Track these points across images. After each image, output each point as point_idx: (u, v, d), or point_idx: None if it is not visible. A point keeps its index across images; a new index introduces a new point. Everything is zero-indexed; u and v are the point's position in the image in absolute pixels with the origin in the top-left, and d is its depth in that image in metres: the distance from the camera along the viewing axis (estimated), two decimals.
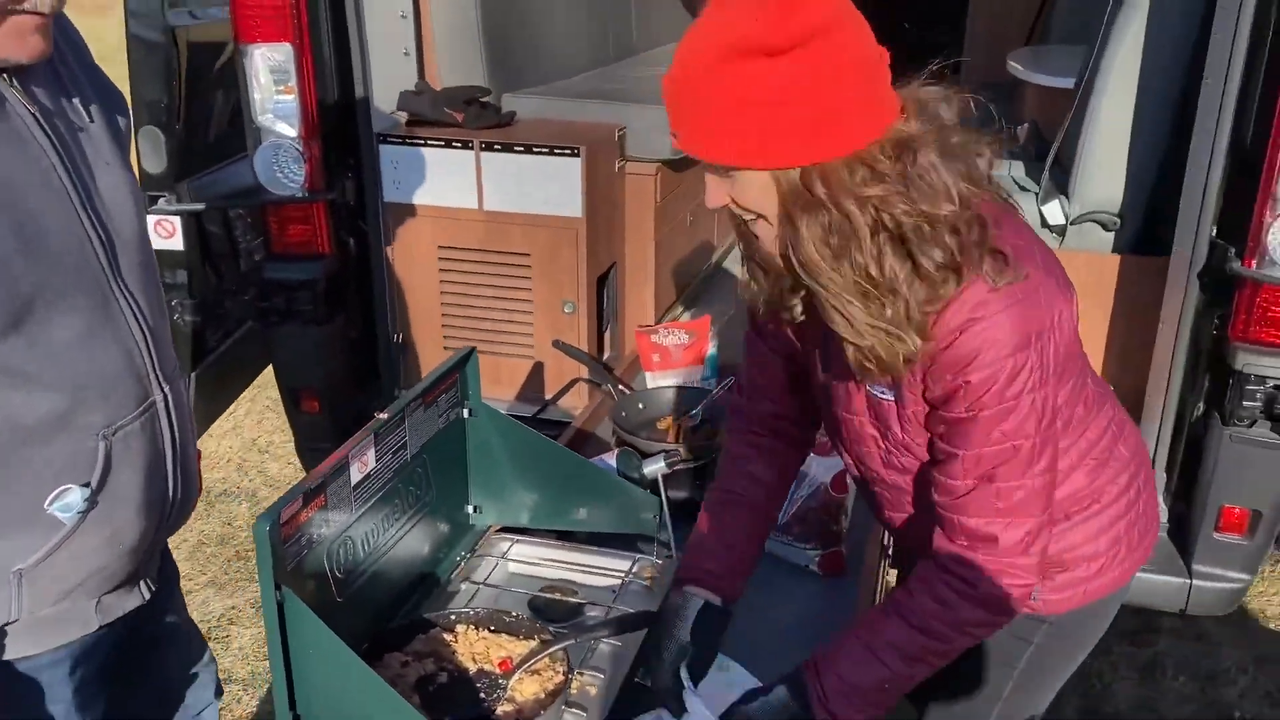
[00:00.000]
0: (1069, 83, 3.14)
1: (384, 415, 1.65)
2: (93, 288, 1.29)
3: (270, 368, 3.22)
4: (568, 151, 2.61)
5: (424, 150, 2.71)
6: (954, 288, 1.23)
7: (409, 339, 2.90)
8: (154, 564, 1.53)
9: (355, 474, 1.58)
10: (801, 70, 1.14)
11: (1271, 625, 3.17)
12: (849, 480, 1.93)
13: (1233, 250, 2.15)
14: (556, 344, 2.59)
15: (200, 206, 2.68)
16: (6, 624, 1.31)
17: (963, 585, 1.33)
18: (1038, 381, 1.26)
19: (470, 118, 2.77)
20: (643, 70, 3.80)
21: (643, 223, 3.01)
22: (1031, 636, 1.60)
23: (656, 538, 1.92)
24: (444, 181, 2.73)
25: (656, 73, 3.76)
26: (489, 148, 2.67)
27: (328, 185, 2.64)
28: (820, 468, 1.93)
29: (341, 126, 2.67)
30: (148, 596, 1.49)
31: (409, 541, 1.75)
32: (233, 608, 3.20)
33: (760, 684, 1.52)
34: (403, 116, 2.85)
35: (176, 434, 1.43)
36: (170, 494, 1.44)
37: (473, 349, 1.91)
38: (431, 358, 2.92)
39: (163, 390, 1.40)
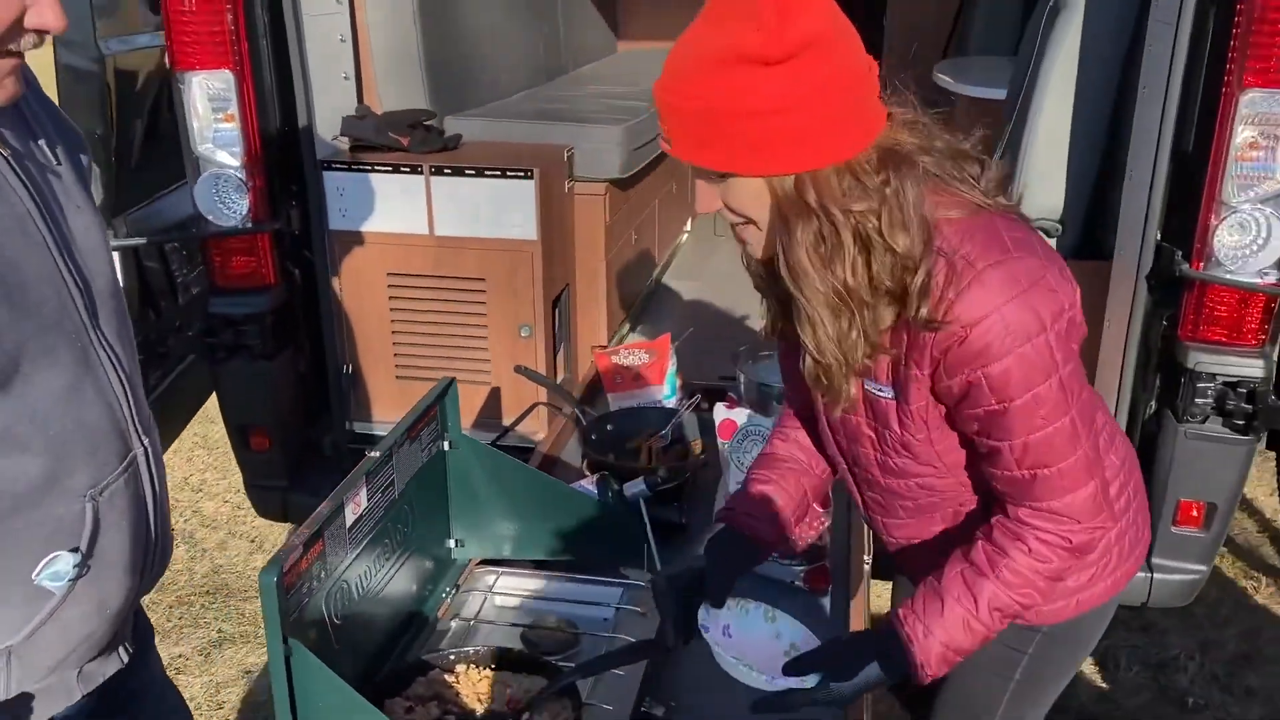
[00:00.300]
0: (1000, 94, 3.23)
1: (375, 454, 1.61)
2: (73, 339, 1.22)
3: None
4: (521, 174, 2.58)
5: (371, 176, 2.65)
6: (891, 314, 1.28)
7: (359, 369, 2.83)
8: (129, 624, 1.45)
9: (350, 515, 1.53)
10: (798, 80, 1.17)
11: (1212, 612, 3.29)
12: (830, 494, 1.95)
13: (1179, 253, 2.22)
14: (518, 369, 2.55)
15: (141, 241, 2.57)
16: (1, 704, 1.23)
17: (1058, 541, 1.36)
18: (1060, 362, 1.27)
19: (416, 141, 2.72)
20: (578, 90, 3.79)
21: (593, 243, 2.99)
22: (1026, 647, 1.61)
23: (643, 561, 1.90)
24: (393, 207, 2.67)
25: (591, 91, 3.78)
26: (439, 171, 2.62)
27: (272, 215, 2.56)
28: None
29: (284, 154, 2.59)
30: (126, 660, 1.41)
31: (397, 581, 1.70)
32: (179, 656, 3.07)
33: (816, 640, 1.53)
34: (344, 142, 2.78)
35: (156, 487, 1.36)
36: (150, 550, 1.37)
37: (452, 380, 1.88)
38: (383, 388, 2.85)
39: (142, 443, 1.32)
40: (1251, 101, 2.07)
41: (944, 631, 1.38)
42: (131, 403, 1.30)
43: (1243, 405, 2.21)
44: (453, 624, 1.79)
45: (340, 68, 2.74)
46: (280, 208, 2.59)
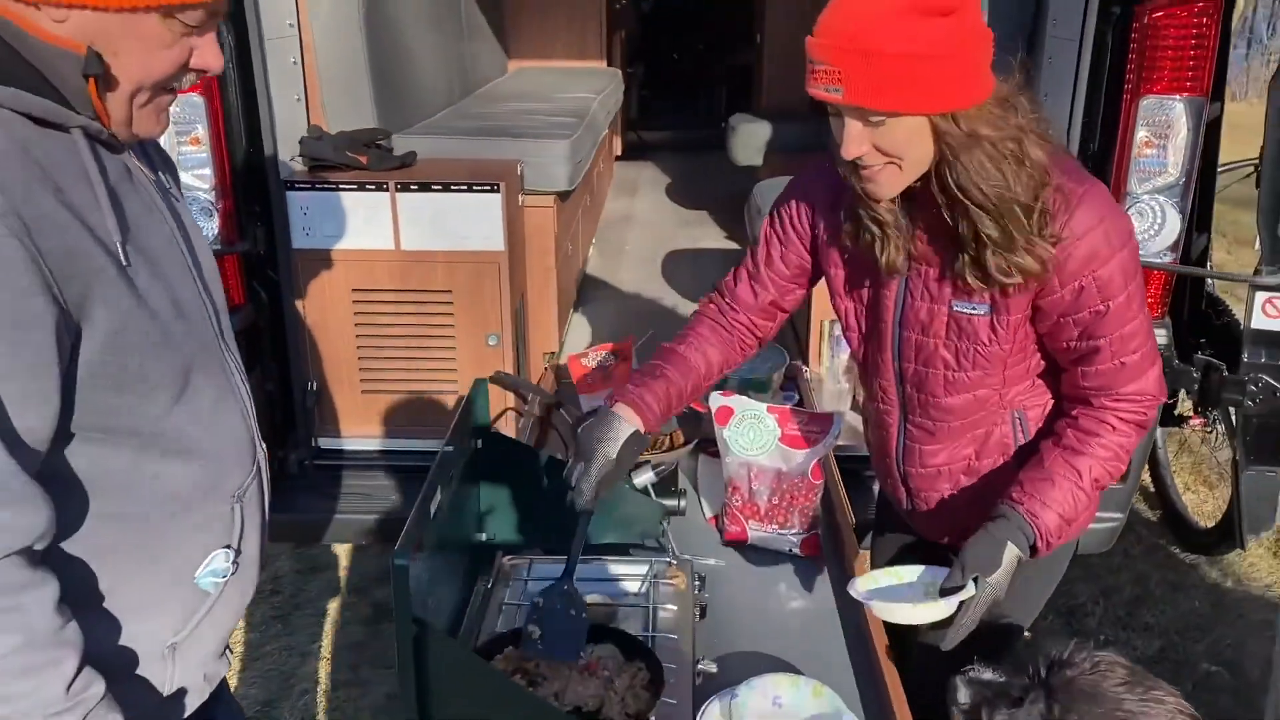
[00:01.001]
0: None
1: (449, 448, 1.70)
2: (214, 354, 1.30)
3: None
4: (487, 187, 2.69)
5: (335, 194, 2.70)
6: (1048, 196, 1.48)
7: (324, 386, 2.86)
8: None
9: (432, 509, 1.62)
10: (963, 28, 1.37)
11: (1108, 563, 3.68)
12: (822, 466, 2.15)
13: None
14: (496, 377, 2.65)
15: None
16: (158, 702, 1.28)
17: (1136, 417, 1.61)
18: (1137, 268, 1.56)
19: (374, 160, 2.79)
20: (497, 106, 3.91)
21: (544, 253, 3.12)
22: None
23: (659, 540, 2.05)
24: (357, 224, 2.73)
25: (513, 108, 3.89)
26: (405, 188, 2.70)
27: (240, 236, 2.58)
28: (802, 460, 2.13)
29: (249, 175, 2.62)
30: (230, 662, 1.47)
31: (448, 573, 1.80)
32: None
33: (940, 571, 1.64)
34: (298, 162, 2.82)
35: (267, 489, 1.44)
36: (265, 548, 1.44)
37: (484, 381, 1.97)
38: (348, 403, 2.90)
39: (261, 448, 1.41)
40: (1148, 106, 2.40)
41: (1058, 503, 1.59)
42: (254, 412, 1.38)
43: None
44: (502, 609, 1.89)
45: (294, 89, 2.79)
46: (247, 229, 2.61)
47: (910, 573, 1.71)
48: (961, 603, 1.54)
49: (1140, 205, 2.48)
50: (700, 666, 1.72)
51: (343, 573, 3.53)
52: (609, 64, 5.63)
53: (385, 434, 2.91)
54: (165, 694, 1.30)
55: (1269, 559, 3.70)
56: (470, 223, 2.72)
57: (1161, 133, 2.44)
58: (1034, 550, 1.60)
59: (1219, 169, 2.76)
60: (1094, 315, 1.55)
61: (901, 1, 1.35)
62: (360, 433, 2.89)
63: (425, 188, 2.70)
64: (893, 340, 1.72)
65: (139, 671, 1.26)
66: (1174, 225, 2.47)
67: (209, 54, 1.17)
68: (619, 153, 5.98)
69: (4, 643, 1.06)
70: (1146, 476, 4.06)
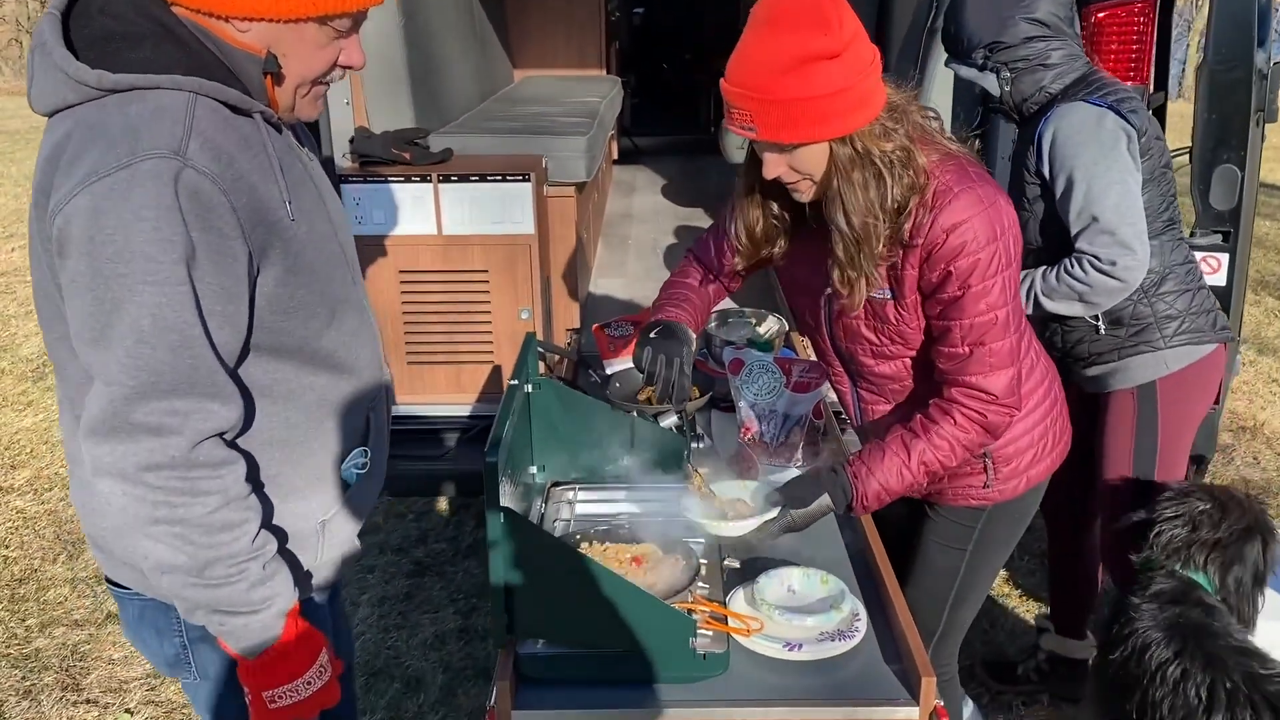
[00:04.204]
0: None
1: (515, 382, 2.04)
2: (351, 290, 1.63)
3: None
4: (520, 177, 3.04)
5: (384, 186, 3.04)
6: (915, 199, 1.71)
7: None
8: None
9: (505, 431, 1.95)
10: (852, 64, 1.62)
11: None
12: (824, 406, 2.49)
13: None
14: (540, 344, 2.99)
15: None
16: (310, 567, 1.61)
17: (976, 416, 1.80)
18: (1003, 265, 1.73)
19: (417, 155, 3.14)
20: (516, 108, 4.26)
21: (565, 239, 3.46)
22: (975, 523, 2.07)
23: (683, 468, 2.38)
24: (404, 212, 3.07)
25: (530, 110, 4.24)
26: (445, 179, 3.05)
27: None
28: (805, 402, 2.48)
29: None
30: (360, 547, 1.80)
31: (512, 495, 2.13)
32: None
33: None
34: (347, 159, 3.15)
35: (391, 406, 1.77)
36: (385, 460, 1.78)
37: (532, 335, 2.31)
38: (398, 372, 3.23)
39: (386, 371, 1.74)
40: None
41: (881, 474, 1.80)
42: (380, 342, 1.72)
43: None
44: (556, 526, 2.22)
45: (343, 95, 3.13)
46: None
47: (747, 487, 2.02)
48: (766, 522, 1.83)
49: None
50: (726, 563, 2.05)
51: (383, 534, 3.86)
52: (608, 72, 6.00)
53: (430, 400, 3.24)
54: (316, 563, 1.63)
55: None
56: (505, 209, 3.06)
57: None
58: (849, 509, 1.84)
59: None
60: (951, 299, 1.74)
61: (795, 53, 1.57)
62: (407, 400, 3.23)
63: (464, 179, 3.05)
64: (824, 320, 1.98)
65: (298, 541, 1.59)
66: None
67: (354, 53, 1.50)
68: (615, 157, 6.34)
69: (210, 503, 1.37)
70: None
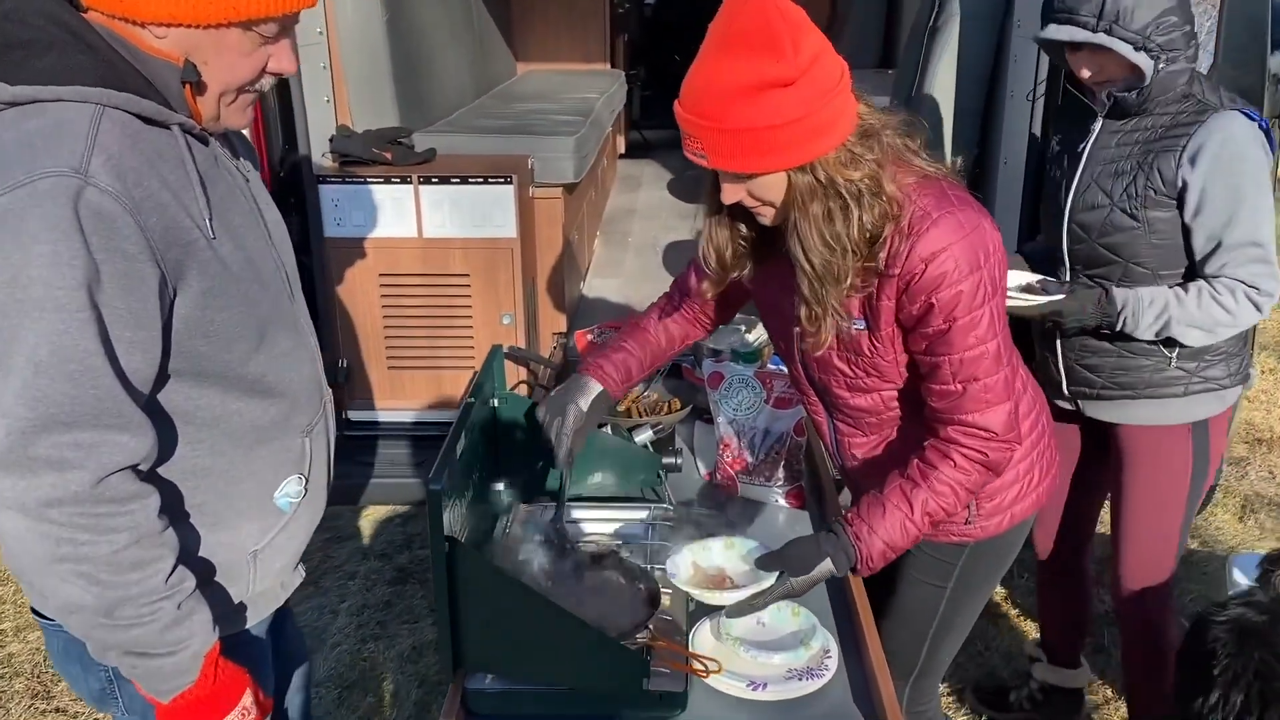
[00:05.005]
0: (883, 101, 3.78)
1: (472, 400, 1.95)
2: (287, 310, 1.55)
3: None
4: (502, 180, 2.95)
5: (364, 187, 2.96)
6: (865, 256, 1.61)
7: (354, 362, 3.13)
8: None
9: (458, 450, 1.87)
10: (809, 92, 1.48)
11: None
12: (805, 424, 2.39)
13: None
14: (508, 351, 2.91)
15: None
16: (242, 600, 1.54)
17: (977, 456, 1.67)
18: (990, 293, 1.61)
19: (398, 155, 3.05)
20: (509, 106, 4.17)
21: (552, 241, 3.37)
22: (957, 560, 1.94)
23: (657, 491, 2.30)
24: (383, 214, 2.99)
25: (523, 108, 4.16)
26: (427, 180, 2.96)
27: None
28: (786, 419, 2.38)
29: (285, 171, 2.88)
30: (304, 574, 1.73)
31: (473, 515, 2.04)
32: None
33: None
34: (328, 159, 3.08)
35: (331, 429, 1.69)
36: (330, 480, 1.70)
37: (499, 347, 2.22)
38: (378, 377, 3.16)
39: (326, 393, 1.66)
40: None
41: (885, 531, 1.67)
42: (320, 360, 1.63)
43: None
44: (522, 547, 2.13)
45: (323, 92, 3.05)
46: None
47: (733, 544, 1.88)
48: (763, 590, 1.68)
49: None
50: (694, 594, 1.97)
51: (367, 540, 3.79)
52: (612, 66, 5.89)
53: (410, 406, 3.17)
54: (249, 595, 1.55)
55: (1234, 523, 3.94)
56: (486, 212, 2.98)
57: None
58: (853, 570, 1.71)
59: None
60: (938, 332, 1.62)
61: (747, 80, 1.45)
62: (388, 405, 3.16)
63: (445, 180, 2.96)
64: (796, 351, 1.86)
65: (227, 574, 1.51)
66: None
67: (284, 59, 1.41)
68: (622, 150, 6.24)
69: (118, 540, 1.29)
70: None
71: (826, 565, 1.68)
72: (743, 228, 1.77)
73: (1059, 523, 2.66)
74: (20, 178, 1.20)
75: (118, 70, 1.30)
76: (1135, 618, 2.52)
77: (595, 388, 1.97)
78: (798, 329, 1.76)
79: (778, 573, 1.69)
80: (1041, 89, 2.81)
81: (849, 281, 1.64)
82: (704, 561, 1.85)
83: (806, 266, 1.63)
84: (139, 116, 1.31)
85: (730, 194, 1.62)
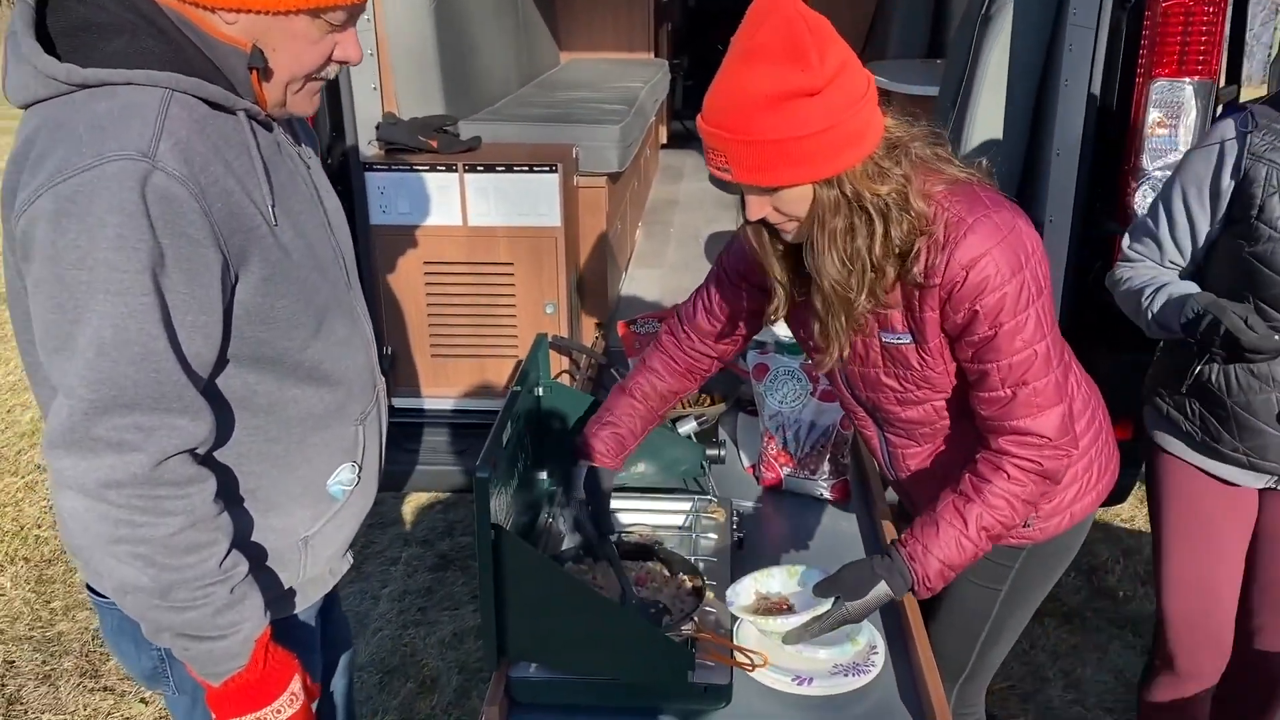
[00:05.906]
0: (932, 91, 3.73)
1: (517, 388, 1.95)
2: (344, 297, 1.55)
3: None
4: (547, 168, 2.94)
5: (410, 175, 2.97)
6: (894, 272, 1.58)
7: (399, 349, 3.14)
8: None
9: (505, 439, 1.87)
10: (836, 102, 1.44)
11: (1126, 524, 3.85)
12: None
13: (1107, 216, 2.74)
14: (553, 340, 2.91)
15: None
16: (292, 585, 1.55)
17: (1031, 465, 1.63)
18: (1035, 294, 1.57)
19: (444, 144, 3.05)
20: (554, 94, 4.16)
21: (596, 230, 3.36)
22: (1013, 562, 1.91)
23: (700, 482, 2.29)
24: (429, 202, 2.99)
25: (568, 96, 4.15)
26: (472, 169, 2.96)
27: None
28: (832, 412, 2.36)
29: (332, 159, 2.89)
30: (352, 561, 1.73)
31: (518, 503, 2.05)
32: None
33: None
34: (374, 146, 3.08)
35: (384, 419, 1.70)
36: (382, 470, 1.70)
37: (544, 336, 2.22)
38: (422, 365, 3.17)
39: (380, 381, 1.66)
40: (1159, 89, 2.59)
41: (940, 550, 1.63)
42: (375, 349, 1.64)
43: None
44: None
45: (370, 80, 3.05)
46: None
47: (796, 573, 1.84)
48: (818, 616, 1.65)
49: (1153, 181, 2.67)
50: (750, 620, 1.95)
51: (409, 526, 3.82)
52: (656, 55, 5.87)
53: (453, 394, 3.17)
54: (299, 580, 1.56)
55: None
56: (531, 200, 2.97)
57: (1173, 114, 2.62)
58: (912, 590, 1.67)
59: None
60: (983, 339, 1.59)
61: (771, 91, 1.41)
62: (432, 393, 3.17)
63: (490, 169, 2.96)
64: (840, 373, 1.83)
65: (278, 559, 1.52)
66: None
67: (350, 48, 1.41)
68: (664, 141, 6.21)
69: (174, 523, 1.30)
70: None
71: (882, 589, 1.64)
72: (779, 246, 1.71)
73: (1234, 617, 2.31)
74: (90, 160, 1.21)
75: (186, 55, 1.31)
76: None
77: (582, 469, 2.00)
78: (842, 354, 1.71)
79: (834, 598, 1.66)
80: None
81: (862, 299, 1.60)
82: (765, 588, 1.83)
83: (821, 282, 1.60)
84: (206, 101, 1.32)
85: (755, 209, 1.57)
